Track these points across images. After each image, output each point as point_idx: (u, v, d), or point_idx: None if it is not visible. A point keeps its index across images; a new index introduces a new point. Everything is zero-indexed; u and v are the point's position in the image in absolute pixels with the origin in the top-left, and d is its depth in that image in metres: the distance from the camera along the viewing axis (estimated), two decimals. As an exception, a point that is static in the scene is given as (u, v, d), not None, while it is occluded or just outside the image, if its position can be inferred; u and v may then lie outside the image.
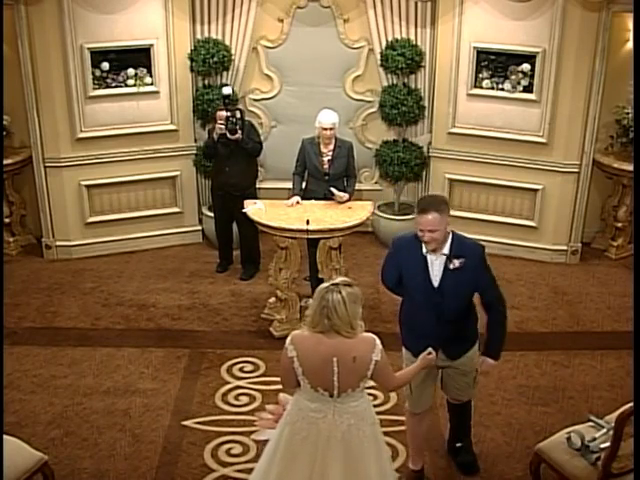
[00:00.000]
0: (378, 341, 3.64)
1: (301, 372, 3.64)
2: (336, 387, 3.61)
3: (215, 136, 6.69)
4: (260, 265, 7.15)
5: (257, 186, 7.12)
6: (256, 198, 6.63)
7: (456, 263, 4.11)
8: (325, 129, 6.27)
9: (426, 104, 7.46)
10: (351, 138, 7.11)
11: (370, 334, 3.66)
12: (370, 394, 4.62)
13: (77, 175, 7.28)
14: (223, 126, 6.59)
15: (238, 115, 6.66)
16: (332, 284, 3.59)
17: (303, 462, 3.71)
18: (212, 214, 7.35)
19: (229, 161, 6.76)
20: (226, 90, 6.77)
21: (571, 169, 7.21)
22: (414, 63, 7.22)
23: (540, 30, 6.83)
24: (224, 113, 6.61)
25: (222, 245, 7.29)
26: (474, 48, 7.07)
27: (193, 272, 7.24)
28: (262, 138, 7.12)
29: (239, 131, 6.59)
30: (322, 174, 6.37)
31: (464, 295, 4.23)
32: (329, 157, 6.37)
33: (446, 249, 4.12)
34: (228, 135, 6.58)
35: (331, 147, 6.36)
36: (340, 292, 3.53)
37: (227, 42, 7.33)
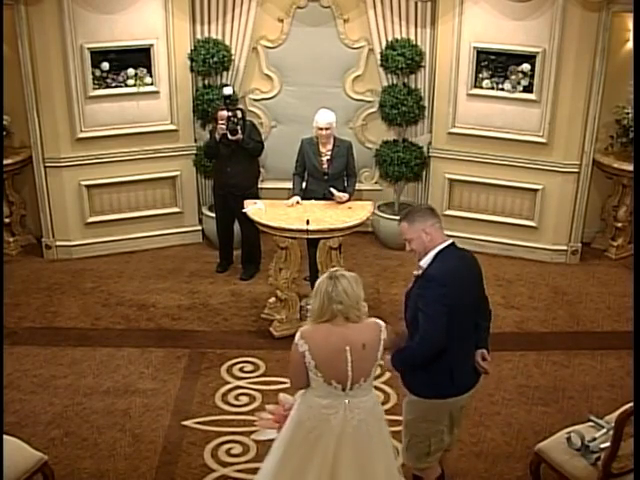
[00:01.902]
0: (381, 322, 3.70)
1: (314, 366, 3.61)
2: (350, 377, 3.62)
3: (217, 136, 6.67)
4: (260, 265, 7.15)
5: (259, 186, 7.12)
6: (258, 198, 6.63)
7: (416, 273, 3.89)
8: (321, 129, 6.27)
9: (426, 104, 7.46)
10: (351, 138, 7.11)
11: (373, 319, 3.72)
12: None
13: (77, 175, 7.28)
14: (224, 126, 6.58)
15: (239, 115, 6.64)
16: (332, 272, 3.66)
17: (316, 459, 3.72)
18: (212, 214, 7.35)
19: (230, 161, 6.75)
20: (227, 90, 6.76)
21: (571, 169, 7.21)
22: (414, 63, 7.22)
23: (540, 30, 6.83)
24: (225, 113, 6.60)
25: (223, 245, 7.28)
26: (474, 48, 7.07)
27: (193, 272, 7.24)
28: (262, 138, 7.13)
29: (240, 131, 6.58)
30: (321, 174, 6.37)
31: (410, 308, 3.90)
32: (328, 157, 6.37)
33: (424, 262, 3.86)
34: (229, 135, 6.57)
35: (330, 147, 6.37)
36: (344, 276, 3.61)
37: (227, 42, 7.33)
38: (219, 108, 6.76)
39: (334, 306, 3.57)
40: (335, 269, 3.73)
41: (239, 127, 6.57)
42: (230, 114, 6.59)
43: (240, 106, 7.17)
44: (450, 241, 3.91)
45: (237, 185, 6.77)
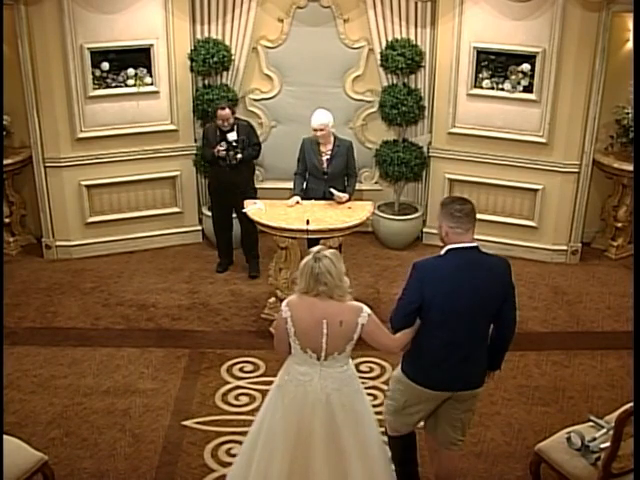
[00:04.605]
0: (366, 308, 3.83)
1: (293, 332, 3.84)
2: (324, 349, 3.82)
3: (216, 153, 6.70)
4: (260, 265, 7.14)
5: (256, 185, 7.12)
6: (255, 195, 6.63)
7: None
8: (315, 130, 6.28)
9: (426, 104, 7.46)
10: (351, 138, 7.09)
11: (358, 303, 3.86)
12: (370, 394, 4.63)
13: (77, 175, 7.28)
14: (224, 152, 6.63)
15: (239, 148, 6.68)
16: (315, 254, 3.80)
17: (291, 424, 3.88)
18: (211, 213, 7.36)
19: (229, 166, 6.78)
20: (231, 136, 6.71)
21: (571, 169, 7.22)
22: (414, 63, 7.21)
23: (540, 30, 6.83)
24: (227, 112, 6.61)
25: (221, 245, 7.27)
26: (474, 48, 7.07)
27: (193, 272, 7.24)
28: (261, 138, 7.14)
29: (240, 153, 6.65)
30: (321, 173, 6.37)
31: None
32: (328, 156, 6.37)
33: (442, 252, 4.03)
34: (228, 161, 6.66)
35: (330, 146, 6.37)
36: (326, 256, 3.78)
37: (227, 42, 7.33)
38: (219, 107, 6.75)
39: (319, 287, 3.76)
40: (317, 249, 3.87)
41: (239, 155, 6.65)
42: (227, 147, 6.65)
43: (243, 118, 7.15)
44: (471, 244, 3.93)
45: (235, 182, 6.77)
